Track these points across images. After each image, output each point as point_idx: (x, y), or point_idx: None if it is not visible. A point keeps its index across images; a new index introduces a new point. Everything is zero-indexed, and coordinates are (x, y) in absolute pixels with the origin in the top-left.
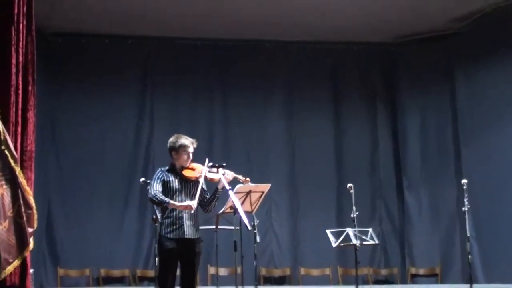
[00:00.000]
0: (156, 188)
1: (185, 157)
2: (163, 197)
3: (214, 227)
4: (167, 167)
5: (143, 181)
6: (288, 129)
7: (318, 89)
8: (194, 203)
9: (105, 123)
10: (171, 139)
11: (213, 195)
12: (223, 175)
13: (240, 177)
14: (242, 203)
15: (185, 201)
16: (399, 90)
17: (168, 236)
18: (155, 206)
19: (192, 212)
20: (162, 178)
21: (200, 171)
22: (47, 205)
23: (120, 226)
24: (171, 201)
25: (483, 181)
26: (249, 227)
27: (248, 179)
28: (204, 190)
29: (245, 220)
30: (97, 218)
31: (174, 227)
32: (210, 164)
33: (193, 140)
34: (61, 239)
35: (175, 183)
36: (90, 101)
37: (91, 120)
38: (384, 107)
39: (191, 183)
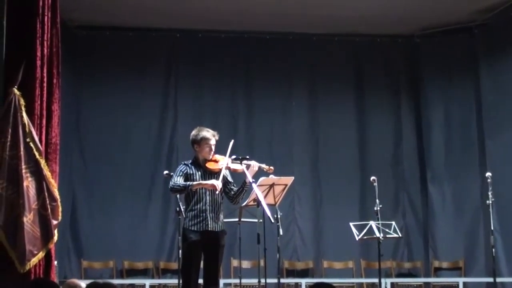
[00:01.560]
0: (177, 180)
1: (207, 149)
2: (184, 182)
3: (237, 219)
4: (190, 161)
5: (166, 174)
6: (312, 121)
7: (341, 82)
8: (219, 183)
9: (129, 116)
10: (193, 132)
11: (241, 188)
12: (248, 167)
13: (264, 166)
14: (265, 196)
15: (208, 194)
16: (423, 82)
17: (192, 228)
18: (178, 198)
19: (217, 193)
20: (185, 171)
21: (224, 163)
22: (71, 197)
23: (143, 219)
24: (194, 182)
25: (507, 174)
26: (272, 220)
27: (272, 167)
28: (230, 182)
29: (268, 212)
30: (121, 210)
31: (198, 219)
32: (234, 156)
33: (215, 133)
34: (85, 231)
35: (198, 175)
36: (114, 93)
37: (115, 113)
38: (408, 100)
39: (215, 175)
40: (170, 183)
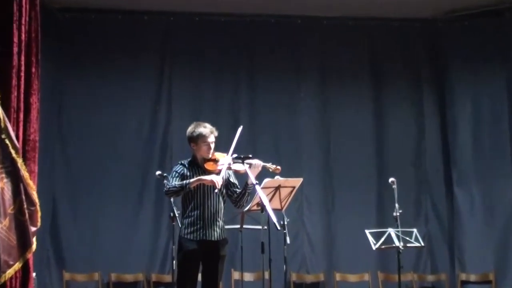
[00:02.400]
0: (172, 183)
1: (205, 148)
2: (180, 182)
3: (238, 226)
4: (188, 160)
5: (159, 175)
6: (322, 116)
7: (355, 72)
8: (219, 178)
9: (118, 109)
10: (188, 129)
11: (243, 190)
12: (250, 167)
13: (269, 165)
14: (270, 200)
15: (208, 198)
16: (447, 72)
17: (189, 237)
18: (172, 202)
19: (216, 191)
20: (182, 172)
21: (225, 162)
22: (52, 201)
23: (133, 225)
24: (192, 179)
25: None
26: (278, 227)
27: (278, 167)
28: (233, 184)
29: (274, 218)
30: (108, 216)
31: (196, 227)
32: (235, 155)
33: (213, 128)
34: (67, 239)
35: (195, 177)
36: (101, 84)
37: (102, 106)
38: (431, 92)
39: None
40: (166, 185)
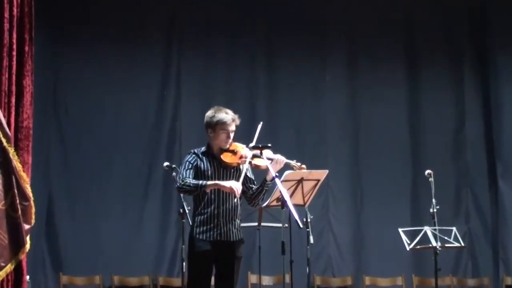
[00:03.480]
0: (186, 175)
1: (224, 136)
2: (195, 181)
3: (256, 224)
4: (202, 149)
5: (167, 166)
6: (351, 101)
7: (387, 50)
8: (238, 186)
9: (121, 94)
10: (208, 113)
11: (260, 187)
12: (271, 163)
13: (293, 163)
14: (292, 194)
15: (223, 194)
16: (492, 51)
17: (201, 237)
18: (182, 196)
19: (235, 200)
20: (195, 163)
21: (244, 155)
22: (47, 195)
23: (138, 223)
24: (209, 182)
25: None
26: (301, 225)
27: (304, 166)
28: (250, 179)
29: (296, 215)
30: (110, 212)
31: (209, 225)
32: (251, 145)
33: (235, 116)
34: (64, 238)
35: (210, 170)
36: (102, 65)
37: (103, 90)
38: (473, 73)
39: (232, 170)
40: (178, 180)
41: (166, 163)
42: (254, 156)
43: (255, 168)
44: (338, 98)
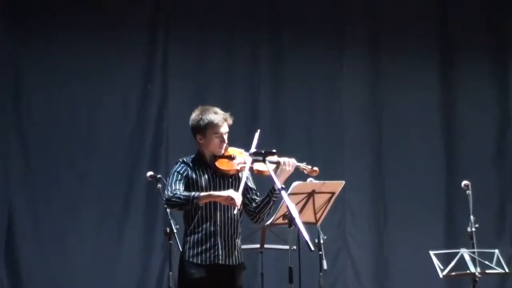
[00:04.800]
0: (176, 188)
1: (217, 141)
2: (186, 193)
3: (257, 246)
4: (192, 157)
5: (151, 176)
6: (372, 97)
7: (417, 36)
8: (238, 196)
9: (95, 88)
10: (193, 116)
11: (267, 198)
12: (277, 168)
13: (303, 166)
14: (301, 210)
15: (220, 208)
16: None
17: (195, 261)
18: (169, 212)
19: (235, 212)
20: (186, 173)
21: (243, 160)
22: (7, 211)
23: (116, 244)
24: (203, 193)
25: None
26: (312, 247)
27: (316, 169)
28: (252, 190)
29: (306, 235)
30: (82, 231)
31: (204, 247)
32: (253, 150)
33: (227, 115)
34: (27, 261)
35: (204, 180)
36: (73, 54)
37: (73, 85)
38: None
39: (230, 180)
40: (166, 192)
41: (149, 173)
42: (256, 160)
43: (258, 174)
44: (356, 94)
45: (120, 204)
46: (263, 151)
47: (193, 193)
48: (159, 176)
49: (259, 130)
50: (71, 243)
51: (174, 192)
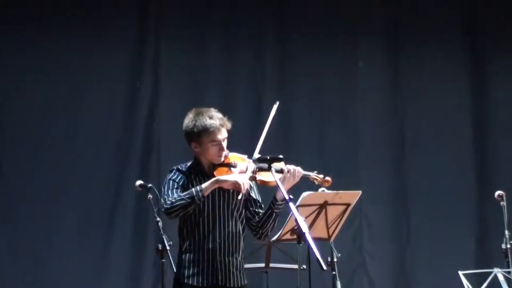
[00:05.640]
0: (174, 195)
1: (215, 149)
2: (187, 192)
3: (262, 265)
4: (188, 164)
5: (140, 186)
6: (392, 94)
7: (443, 24)
8: (245, 179)
9: (77, 86)
10: (186, 121)
11: (269, 210)
12: (284, 177)
13: (313, 175)
14: (312, 224)
15: (219, 221)
16: None
17: (191, 282)
18: (161, 227)
19: (240, 197)
20: (182, 183)
21: (245, 168)
22: None
23: (101, 263)
24: (205, 184)
25: None
26: (324, 266)
27: (328, 178)
28: (256, 201)
29: (317, 253)
30: (62, 249)
31: (202, 266)
32: (257, 156)
33: (224, 118)
34: (1, 278)
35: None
36: (53, 47)
37: (52, 81)
38: None
39: (230, 191)
40: (164, 202)
41: (139, 182)
42: (260, 169)
43: (261, 185)
44: (374, 92)
45: (105, 218)
46: (268, 157)
47: (194, 188)
48: (149, 185)
49: (277, 102)
50: (49, 263)
51: (174, 197)
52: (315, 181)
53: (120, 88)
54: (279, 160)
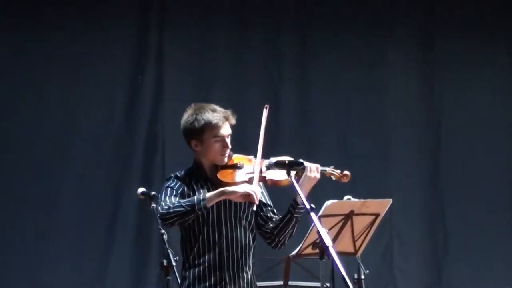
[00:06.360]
0: (172, 201)
1: (218, 146)
2: (188, 199)
3: (281, 283)
4: (185, 171)
5: (142, 193)
6: (428, 91)
7: (481, 10)
8: (256, 188)
9: (72, 80)
10: (185, 117)
11: (288, 215)
12: (298, 175)
13: (329, 170)
14: (337, 237)
15: (226, 232)
16: None
17: None
18: (165, 240)
19: (254, 208)
20: (181, 190)
21: (252, 170)
22: None
23: (99, 280)
24: (209, 193)
25: None
26: (350, 285)
27: (347, 172)
28: (267, 206)
29: (342, 269)
30: (57, 264)
31: (208, 283)
32: (274, 160)
33: (228, 112)
34: None
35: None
36: (48, 39)
37: (46, 77)
38: None
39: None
40: (161, 207)
41: (141, 189)
42: (269, 167)
43: (272, 185)
44: (406, 85)
45: (104, 229)
46: (287, 161)
47: (196, 196)
48: (153, 193)
49: (267, 106)
50: (42, 281)
51: (173, 202)
52: (332, 176)
53: (120, 83)
54: (299, 164)
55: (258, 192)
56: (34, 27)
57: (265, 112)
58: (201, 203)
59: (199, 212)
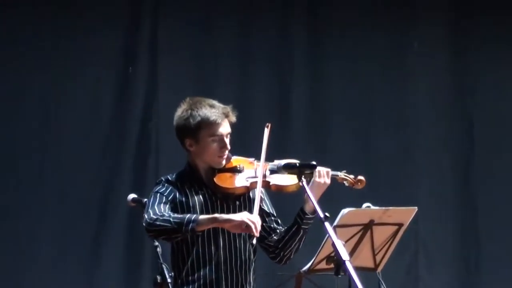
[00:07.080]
0: (161, 210)
1: (215, 147)
2: (178, 215)
3: None
4: (176, 174)
5: (133, 200)
6: (455, 81)
7: None
8: (256, 218)
9: (57, 73)
10: (178, 112)
11: (295, 226)
12: (306, 179)
13: (341, 175)
14: (354, 250)
15: (223, 243)
16: None
17: None
18: (159, 253)
19: (254, 242)
20: (171, 196)
21: (254, 173)
22: None
23: None
24: (202, 216)
25: None
26: None
27: (361, 178)
28: (270, 215)
29: (360, 286)
30: (38, 278)
31: None
32: (284, 162)
33: (227, 108)
34: None
35: (199, 204)
36: (34, 30)
37: (27, 69)
38: None
39: (237, 203)
40: (148, 215)
41: (132, 195)
42: (274, 171)
43: (276, 191)
44: (434, 80)
45: (89, 241)
46: (298, 164)
47: (188, 215)
48: (145, 200)
49: (269, 125)
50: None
51: (160, 214)
52: (344, 182)
53: (109, 75)
54: (312, 167)
55: (258, 223)
56: (17, 15)
57: (266, 132)
58: (191, 224)
59: (187, 234)
